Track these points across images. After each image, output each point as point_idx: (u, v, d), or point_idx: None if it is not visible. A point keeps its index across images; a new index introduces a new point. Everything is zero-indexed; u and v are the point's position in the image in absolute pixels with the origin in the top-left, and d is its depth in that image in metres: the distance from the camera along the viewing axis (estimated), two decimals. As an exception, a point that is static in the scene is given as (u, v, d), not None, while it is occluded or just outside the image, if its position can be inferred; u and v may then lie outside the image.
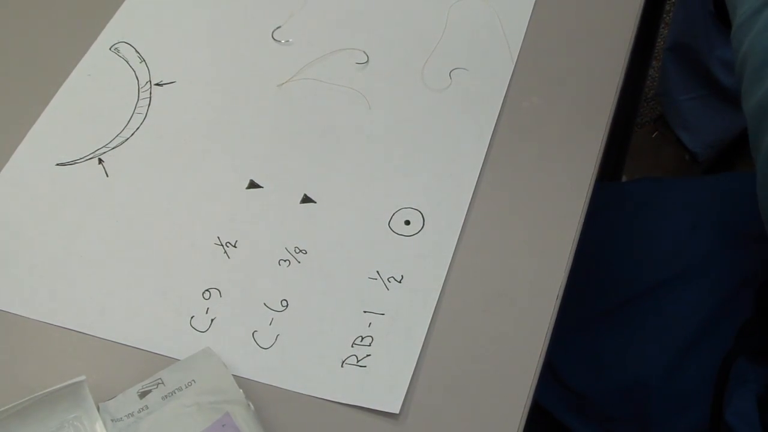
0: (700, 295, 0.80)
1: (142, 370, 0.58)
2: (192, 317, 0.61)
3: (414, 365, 0.58)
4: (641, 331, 0.80)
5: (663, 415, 0.79)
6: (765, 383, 0.73)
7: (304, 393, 0.57)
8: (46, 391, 0.53)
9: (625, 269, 0.84)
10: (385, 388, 0.57)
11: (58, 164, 0.69)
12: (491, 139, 0.68)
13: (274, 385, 0.58)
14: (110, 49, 0.76)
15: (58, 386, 0.53)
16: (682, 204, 0.87)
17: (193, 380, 0.56)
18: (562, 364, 0.82)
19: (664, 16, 1.42)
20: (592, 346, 0.82)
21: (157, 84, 0.73)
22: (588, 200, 0.65)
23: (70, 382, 0.54)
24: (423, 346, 0.59)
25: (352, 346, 0.59)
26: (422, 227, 0.64)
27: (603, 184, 0.78)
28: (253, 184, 0.67)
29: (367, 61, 0.74)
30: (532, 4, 0.76)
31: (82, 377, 0.54)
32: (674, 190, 0.89)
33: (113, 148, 0.70)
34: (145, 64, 0.74)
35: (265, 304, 0.61)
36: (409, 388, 0.57)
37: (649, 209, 0.88)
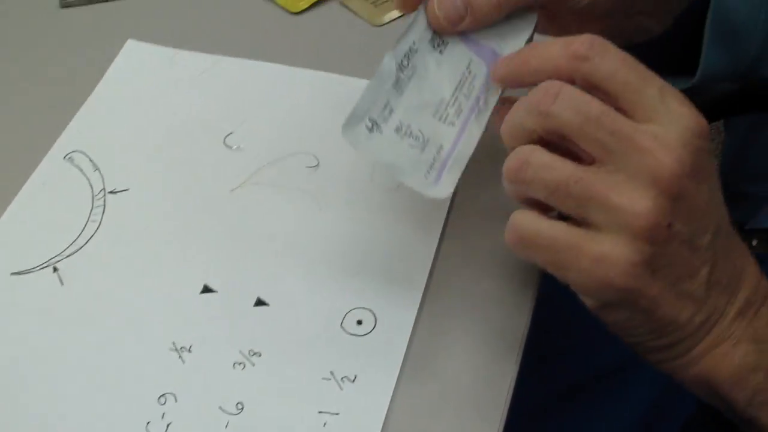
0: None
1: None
2: (148, 422, 0.61)
3: (369, 465, 0.58)
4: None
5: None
6: None
7: (260, 498, 0.58)
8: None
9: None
10: (341, 489, 0.57)
11: (12, 273, 0.70)
12: (441, 234, 0.70)
13: (230, 490, 0.58)
14: (64, 158, 0.77)
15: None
16: None
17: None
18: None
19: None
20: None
21: (111, 192, 0.74)
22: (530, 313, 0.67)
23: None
24: (377, 445, 0.59)
25: (307, 448, 0.59)
26: (374, 327, 0.65)
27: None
28: (206, 289, 0.68)
29: (317, 165, 0.76)
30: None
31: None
32: None
33: (68, 256, 0.70)
34: (99, 172, 0.76)
35: (220, 407, 0.61)
36: (364, 488, 0.58)
37: None
